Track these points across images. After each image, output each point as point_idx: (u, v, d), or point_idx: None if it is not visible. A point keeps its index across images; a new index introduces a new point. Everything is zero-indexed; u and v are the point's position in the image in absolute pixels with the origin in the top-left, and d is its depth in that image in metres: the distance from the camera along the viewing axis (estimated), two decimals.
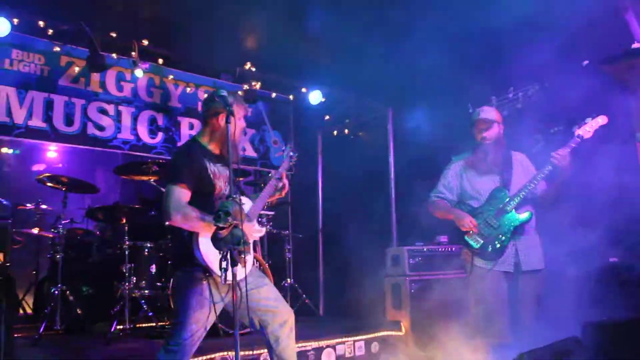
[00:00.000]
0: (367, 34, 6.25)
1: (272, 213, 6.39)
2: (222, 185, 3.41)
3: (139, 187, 6.30)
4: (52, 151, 7.65)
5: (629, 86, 5.48)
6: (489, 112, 4.41)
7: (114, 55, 6.11)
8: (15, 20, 5.31)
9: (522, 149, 5.36)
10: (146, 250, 5.39)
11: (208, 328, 3.32)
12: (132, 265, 5.23)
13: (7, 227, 3.94)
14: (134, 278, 5.24)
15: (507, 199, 4.19)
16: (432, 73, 6.05)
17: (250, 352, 4.29)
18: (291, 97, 7.58)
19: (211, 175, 3.35)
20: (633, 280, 4.92)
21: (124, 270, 5.13)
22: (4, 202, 6.07)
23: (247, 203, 3.53)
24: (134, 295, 5.20)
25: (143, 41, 6.01)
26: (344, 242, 7.21)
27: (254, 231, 3.54)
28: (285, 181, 3.69)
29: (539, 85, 6.09)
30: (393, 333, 5.45)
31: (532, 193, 4.23)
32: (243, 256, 3.07)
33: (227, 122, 3.18)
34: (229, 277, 2.99)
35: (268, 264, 5.93)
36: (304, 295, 6.53)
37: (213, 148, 3.46)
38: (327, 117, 7.63)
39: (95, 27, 5.55)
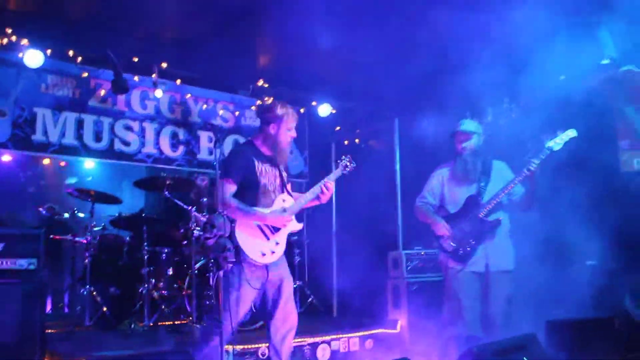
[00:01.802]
0: (373, 47, 6.75)
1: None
2: (267, 182, 4.04)
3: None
4: (85, 165, 8.42)
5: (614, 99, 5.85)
6: (468, 125, 4.85)
7: (136, 78, 6.82)
8: (49, 51, 6.07)
9: (517, 156, 5.84)
10: (164, 255, 6.06)
11: (246, 308, 3.93)
12: (151, 268, 5.90)
13: (41, 235, 4.57)
14: (153, 280, 5.92)
15: (480, 207, 4.64)
16: (435, 83, 6.53)
17: (249, 346, 4.88)
18: (302, 110, 8.13)
19: (257, 173, 4.00)
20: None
21: (143, 273, 5.81)
22: (43, 212, 6.87)
23: (288, 200, 4.12)
24: (153, 295, 5.89)
25: (162, 64, 6.67)
26: (356, 245, 7.77)
27: (291, 225, 4.11)
28: (331, 190, 4.16)
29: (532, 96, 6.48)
30: (388, 331, 5.97)
31: (509, 199, 4.68)
32: (228, 262, 3.75)
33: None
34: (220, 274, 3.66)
35: None
36: (311, 297, 7.08)
37: (265, 150, 4.09)
38: (337, 128, 8.17)
39: (119, 52, 6.23)
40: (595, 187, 5.49)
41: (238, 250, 3.88)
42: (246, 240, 3.89)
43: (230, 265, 3.95)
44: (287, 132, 4.09)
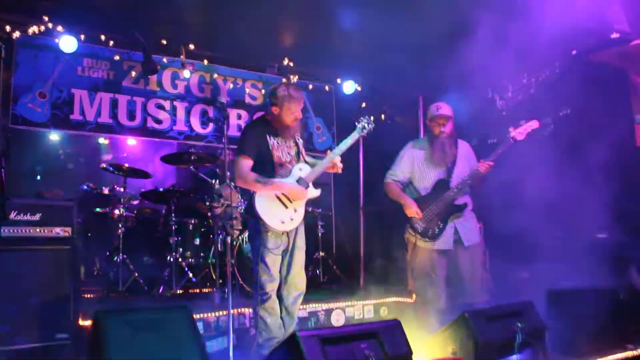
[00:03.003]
0: (397, 26, 6.91)
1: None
2: (280, 155, 4.39)
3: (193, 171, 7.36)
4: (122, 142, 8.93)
5: (627, 72, 5.89)
6: (446, 109, 5.09)
7: (165, 59, 7.20)
8: (82, 36, 6.52)
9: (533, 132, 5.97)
10: (191, 225, 6.51)
11: (276, 275, 4.33)
12: (179, 238, 6.35)
13: (73, 207, 5.01)
14: (181, 249, 6.37)
15: (449, 190, 4.90)
16: (457, 61, 6.66)
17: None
18: (327, 87, 8.40)
19: (271, 148, 4.34)
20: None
21: (171, 242, 6.26)
22: (85, 187, 7.39)
23: (304, 169, 4.45)
24: (181, 263, 6.34)
25: (190, 45, 7.04)
26: (383, 218, 8.05)
27: (309, 192, 4.45)
28: (337, 166, 4.51)
29: (550, 70, 6.56)
30: (402, 299, 6.25)
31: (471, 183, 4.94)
32: (234, 229, 4.14)
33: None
34: (228, 240, 4.06)
35: None
36: (334, 266, 7.40)
37: (276, 125, 4.42)
38: (363, 105, 8.40)
39: (148, 35, 6.61)
40: (609, 161, 5.59)
41: (258, 220, 4.25)
42: (266, 210, 4.26)
43: (237, 232, 4.35)
44: (290, 115, 4.36)
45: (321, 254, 7.36)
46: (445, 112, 5.01)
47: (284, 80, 7.69)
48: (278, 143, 4.41)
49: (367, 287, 7.65)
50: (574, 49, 5.84)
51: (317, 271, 7.22)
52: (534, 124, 4.75)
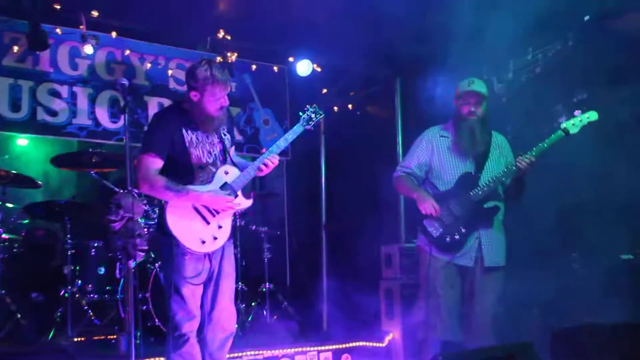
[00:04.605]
0: None
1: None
2: (200, 154, 4.29)
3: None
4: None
5: None
6: (481, 85, 5.05)
7: (58, 30, 7.05)
8: None
9: (541, 123, 5.98)
10: (93, 250, 6.38)
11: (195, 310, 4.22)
12: (76, 267, 6.22)
13: None
14: (79, 281, 6.22)
15: (476, 188, 4.84)
16: (445, 33, 6.65)
17: None
18: (276, 68, 8.33)
19: (187, 145, 4.24)
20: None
21: (66, 273, 6.09)
22: None
23: (231, 172, 4.36)
24: (80, 300, 6.17)
25: (93, 11, 6.93)
26: (350, 239, 7.99)
27: (237, 203, 4.34)
28: (271, 165, 4.39)
29: (561, 44, 6.58)
30: (371, 344, 6.18)
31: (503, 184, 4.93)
32: (137, 250, 4.01)
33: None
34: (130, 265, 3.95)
35: (242, 265, 6.80)
36: (285, 302, 7.32)
37: (195, 115, 4.31)
38: (324, 91, 8.36)
39: None
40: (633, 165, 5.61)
41: (171, 240, 4.14)
42: (181, 226, 4.14)
43: (142, 254, 4.23)
44: (213, 102, 4.28)
45: (268, 285, 7.27)
46: (479, 88, 4.99)
47: (219, 58, 7.59)
48: (197, 139, 4.34)
49: (329, 328, 7.61)
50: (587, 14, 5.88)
51: (263, 309, 7.14)
52: (592, 116, 4.72)
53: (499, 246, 4.94)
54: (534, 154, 4.72)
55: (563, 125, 4.72)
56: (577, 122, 4.70)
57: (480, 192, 4.83)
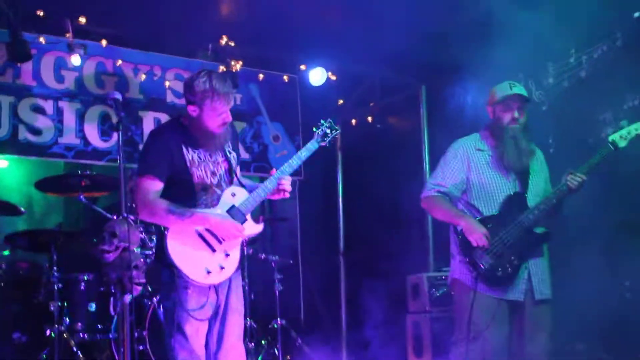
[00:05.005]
0: None
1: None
2: (203, 174, 4.22)
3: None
4: None
5: None
6: (523, 88, 4.84)
7: (42, 39, 6.89)
8: None
9: (586, 134, 5.80)
10: (82, 283, 6.19)
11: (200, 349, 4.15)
12: (64, 303, 6.02)
13: None
14: (67, 319, 6.02)
15: (527, 211, 4.60)
16: (475, 34, 6.51)
17: None
18: (286, 77, 8.20)
19: (189, 165, 4.19)
20: None
21: (52, 310, 5.88)
22: None
23: (239, 194, 4.28)
24: (68, 341, 5.93)
25: (80, 18, 6.78)
26: (372, 268, 7.84)
27: (247, 228, 4.24)
28: (286, 187, 4.32)
29: (608, 44, 6.40)
30: None
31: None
32: (134, 283, 3.87)
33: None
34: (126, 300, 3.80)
35: (250, 299, 6.64)
36: (298, 340, 7.13)
37: (195, 132, 4.23)
38: (340, 102, 8.20)
39: (16, 2, 6.32)
40: None
41: (172, 271, 4.06)
42: (184, 255, 4.06)
43: (139, 287, 4.08)
44: (214, 117, 4.19)
45: (280, 321, 7.09)
46: (522, 91, 4.79)
47: (221, 67, 7.46)
48: (200, 158, 4.27)
49: None
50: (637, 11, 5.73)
51: (275, 348, 6.95)
52: (639, 127, 4.56)
53: (547, 276, 4.71)
54: (584, 171, 4.53)
55: (610, 139, 4.56)
56: (624, 134, 4.54)
57: (532, 217, 4.59)
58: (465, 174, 4.82)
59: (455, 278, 4.79)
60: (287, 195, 4.40)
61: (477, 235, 4.55)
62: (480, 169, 4.80)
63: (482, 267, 4.59)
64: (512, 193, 4.72)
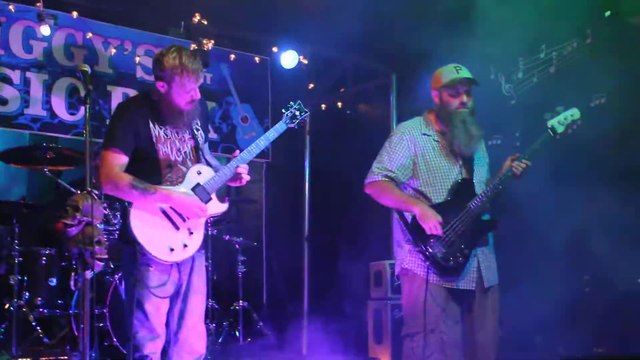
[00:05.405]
0: None
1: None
2: (168, 151, 4.18)
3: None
4: None
5: None
6: (468, 72, 4.66)
7: (11, 7, 6.83)
8: None
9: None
10: (44, 258, 6.17)
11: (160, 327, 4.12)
12: (25, 277, 6.02)
13: None
14: (27, 293, 6.02)
15: (475, 198, 4.51)
16: (446, 25, 6.56)
17: None
18: (257, 59, 8.20)
19: (155, 141, 4.15)
20: None
21: (12, 283, 5.87)
22: None
23: (205, 173, 4.23)
24: (27, 315, 5.96)
25: None
26: (336, 253, 7.87)
27: (211, 207, 4.21)
28: (244, 175, 4.29)
29: (578, 42, 6.49)
30: None
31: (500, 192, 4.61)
32: (96, 258, 3.84)
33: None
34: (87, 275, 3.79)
35: (213, 280, 6.65)
36: (260, 323, 7.16)
37: (162, 108, 4.19)
38: (311, 86, 8.22)
39: None
40: None
41: (135, 247, 4.01)
42: (147, 232, 4.03)
43: (101, 263, 4.06)
44: (183, 93, 4.16)
45: (242, 303, 7.12)
46: (469, 74, 4.63)
47: (193, 45, 7.43)
48: (166, 134, 4.24)
49: (309, 353, 7.48)
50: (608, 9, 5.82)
51: (236, 329, 6.99)
52: (575, 114, 4.56)
53: (494, 262, 4.68)
54: (526, 157, 4.51)
55: (549, 124, 4.53)
56: (562, 119, 4.53)
57: (480, 203, 4.49)
58: (412, 159, 4.63)
59: (405, 268, 4.60)
60: (244, 182, 4.38)
61: (433, 222, 4.37)
62: (428, 154, 4.63)
63: (435, 256, 4.44)
64: (459, 179, 4.60)
